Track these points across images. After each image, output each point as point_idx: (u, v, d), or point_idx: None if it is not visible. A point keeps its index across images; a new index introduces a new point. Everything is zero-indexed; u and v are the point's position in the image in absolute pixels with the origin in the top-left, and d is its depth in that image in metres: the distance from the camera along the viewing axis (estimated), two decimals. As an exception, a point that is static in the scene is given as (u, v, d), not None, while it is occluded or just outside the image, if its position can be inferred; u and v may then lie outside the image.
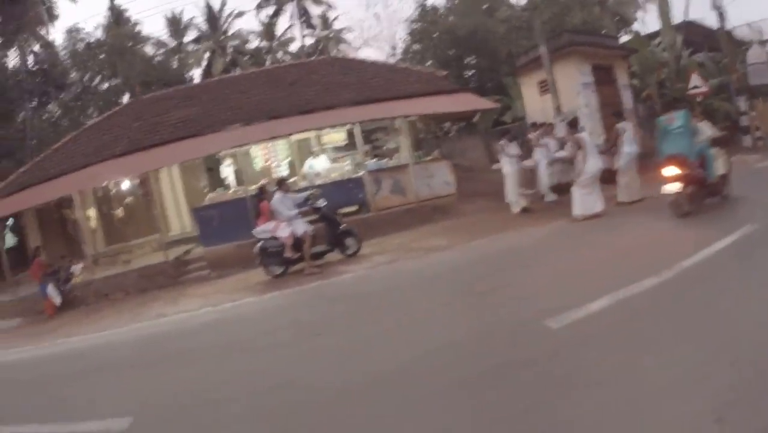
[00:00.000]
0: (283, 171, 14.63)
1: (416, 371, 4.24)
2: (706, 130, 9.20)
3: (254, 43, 32.31)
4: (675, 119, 8.53)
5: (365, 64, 17.64)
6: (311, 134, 14.85)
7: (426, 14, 25.89)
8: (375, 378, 4.24)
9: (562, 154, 12.20)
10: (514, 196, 12.16)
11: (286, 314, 7.37)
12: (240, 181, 14.33)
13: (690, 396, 3.05)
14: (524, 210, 11.99)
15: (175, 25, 30.55)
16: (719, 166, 8.66)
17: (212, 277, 11.46)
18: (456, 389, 3.74)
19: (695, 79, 17.28)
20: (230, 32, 31.53)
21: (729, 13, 20.70)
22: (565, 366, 3.78)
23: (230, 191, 13.18)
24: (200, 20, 31.61)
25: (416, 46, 27.55)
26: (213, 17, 31.09)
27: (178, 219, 15.19)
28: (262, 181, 11.99)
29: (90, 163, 13.43)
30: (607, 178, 10.40)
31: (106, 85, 26.44)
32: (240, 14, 31.96)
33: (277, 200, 9.68)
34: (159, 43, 29.71)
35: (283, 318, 7.07)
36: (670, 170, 7.97)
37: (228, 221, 12.10)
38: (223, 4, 32.06)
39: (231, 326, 7.35)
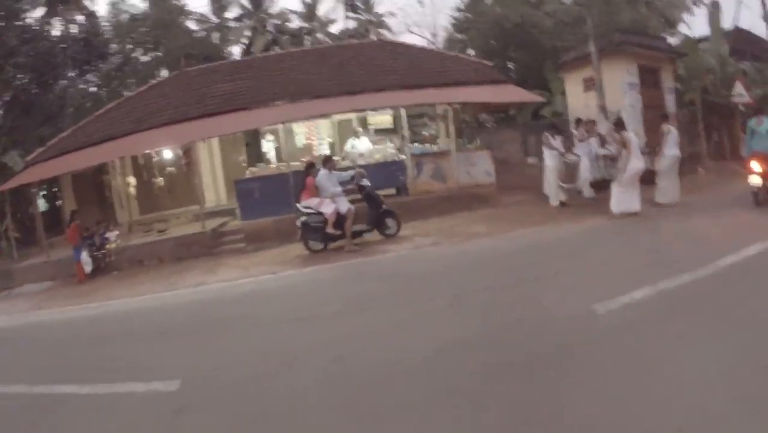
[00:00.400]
0: (325, 150, 14.59)
1: (472, 348, 4.34)
2: None
3: (295, 23, 32.11)
4: (764, 122, 9.49)
5: (415, 49, 17.53)
6: (353, 115, 14.84)
7: (474, 3, 25.65)
8: (430, 354, 4.28)
9: (605, 151, 12.15)
10: (553, 189, 12.10)
11: (330, 287, 7.31)
12: (280, 157, 14.33)
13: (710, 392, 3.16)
14: (562, 204, 11.92)
15: (218, 1, 30.46)
16: None
17: (249, 250, 11.38)
18: (506, 369, 3.85)
19: (739, 88, 17.00)
20: (272, 10, 31.31)
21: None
22: (610, 348, 4.00)
23: (272, 166, 13.17)
24: None
25: (459, 36, 27.40)
26: None
27: (215, 191, 15.24)
28: (309, 158, 12.05)
29: (134, 131, 13.52)
30: (647, 179, 10.37)
31: (146, 58, 26.49)
32: None
33: (323, 176, 9.67)
34: (201, 19, 29.37)
35: (328, 292, 7.02)
36: (756, 165, 9.03)
37: (268, 196, 12.07)
38: None
39: (275, 297, 7.25)
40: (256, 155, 15.16)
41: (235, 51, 30.14)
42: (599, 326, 4.49)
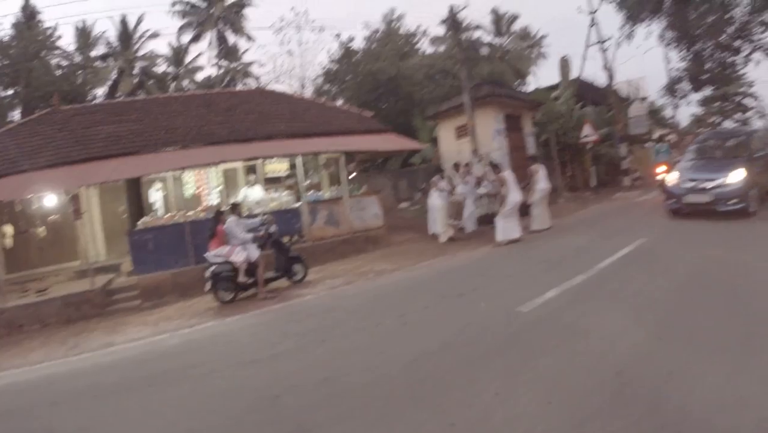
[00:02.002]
0: (214, 199, 14.16)
1: (439, 353, 5.10)
2: None
3: (162, 68, 31.15)
4: (663, 148, 17.66)
5: (295, 99, 17.84)
6: (239, 164, 14.67)
7: (347, 56, 26.51)
8: (407, 363, 4.91)
9: (485, 189, 13.55)
10: (442, 226, 13.11)
11: (269, 330, 7.13)
12: (168, 207, 13.62)
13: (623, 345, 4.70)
14: (450, 239, 13.01)
15: (85, 37, 28.37)
16: None
17: (146, 307, 10.50)
18: (483, 358, 4.83)
19: (587, 129, 19.58)
20: (141, 53, 30.11)
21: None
22: (545, 331, 5.35)
23: (166, 216, 12.28)
24: (112, 35, 29.84)
25: (328, 86, 28.12)
26: (126, 34, 29.51)
27: (93, 245, 13.76)
28: (203, 207, 11.71)
29: (8, 173, 11.95)
30: (521, 210, 11.97)
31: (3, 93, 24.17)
32: (155, 35, 30.42)
33: (233, 224, 9.44)
34: (65, 55, 27.06)
35: (270, 334, 6.86)
36: (661, 168, 17.19)
37: (164, 247, 11.35)
38: (139, 21, 30.51)
39: (212, 346, 6.77)
40: (138, 205, 14.15)
41: (98, 92, 28.45)
42: (530, 319, 5.76)
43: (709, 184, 10.94)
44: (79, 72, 26.56)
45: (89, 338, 8.45)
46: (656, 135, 30.94)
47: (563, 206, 17.48)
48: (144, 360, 6.45)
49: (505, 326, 5.63)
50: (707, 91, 29.85)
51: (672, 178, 12.07)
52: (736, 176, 10.74)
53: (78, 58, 27.49)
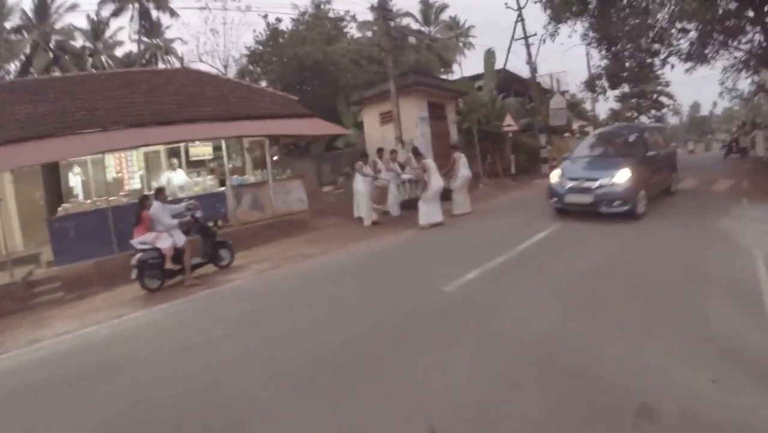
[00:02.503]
0: (136, 183, 13.89)
1: (373, 332, 5.52)
2: None
3: (79, 42, 29.52)
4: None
5: (220, 80, 17.62)
6: (161, 147, 14.35)
7: (273, 37, 26.21)
8: (345, 341, 5.31)
9: (408, 175, 14.10)
10: (366, 211, 13.54)
11: (200, 316, 7.15)
12: (88, 192, 13.10)
13: (550, 313, 5.57)
14: (374, 223, 13.49)
15: None
16: None
17: (70, 298, 10.03)
18: (414, 334, 5.32)
19: (509, 119, 20.49)
20: (58, 26, 28.34)
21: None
22: (470, 306, 5.98)
23: (88, 202, 11.94)
24: (27, 6, 28.04)
25: (252, 68, 27.76)
26: (43, 5, 27.62)
27: (9, 234, 12.80)
28: (124, 192, 11.46)
29: None
30: (444, 195, 12.68)
31: None
32: (73, 7, 28.65)
33: (158, 209, 9.36)
34: None
35: (202, 320, 6.90)
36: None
37: (86, 235, 10.93)
38: None
39: (146, 335, 6.66)
40: (55, 191, 13.66)
41: (10, 68, 26.74)
42: (455, 298, 6.35)
43: (592, 184, 10.55)
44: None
45: (15, 335, 7.97)
46: (575, 127, 32.75)
47: (484, 192, 18.35)
48: (75, 354, 6.27)
49: (432, 305, 6.11)
50: (625, 87, 31.67)
51: (555, 176, 11.76)
52: (622, 176, 10.38)
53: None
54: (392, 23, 19.76)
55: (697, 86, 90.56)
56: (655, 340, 4.54)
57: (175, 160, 13.88)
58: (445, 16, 39.05)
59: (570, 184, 10.97)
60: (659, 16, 19.57)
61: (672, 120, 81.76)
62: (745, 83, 27.13)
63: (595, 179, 10.56)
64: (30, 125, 12.23)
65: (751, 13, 18.89)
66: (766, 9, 17.81)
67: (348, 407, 3.87)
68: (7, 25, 27.38)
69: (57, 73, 24.08)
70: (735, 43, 21.70)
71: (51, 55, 27.18)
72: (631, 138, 12.32)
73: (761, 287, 5.65)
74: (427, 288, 6.86)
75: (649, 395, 3.59)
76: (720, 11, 19.14)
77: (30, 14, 27.86)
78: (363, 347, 5.08)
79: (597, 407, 3.55)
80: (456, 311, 5.85)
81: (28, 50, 27.20)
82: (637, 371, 3.99)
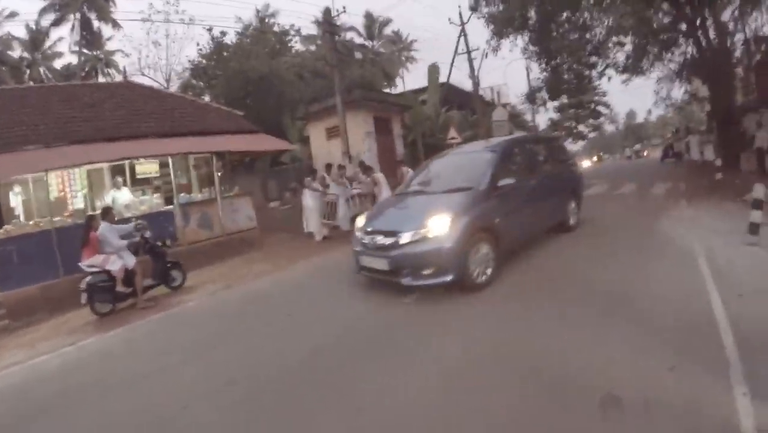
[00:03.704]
0: (79, 203, 13.57)
1: (333, 347, 5.58)
2: None
3: (17, 52, 28.39)
4: None
5: (164, 94, 17.41)
6: (104, 165, 13.99)
7: (218, 51, 25.99)
8: (304, 357, 5.37)
9: (358, 190, 14.37)
10: (316, 226, 13.71)
11: (155, 341, 7.04)
12: (29, 213, 12.73)
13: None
14: (325, 238, 13.67)
15: None
16: None
17: (15, 327, 9.51)
18: (374, 346, 5.43)
19: (452, 132, 21.14)
20: None
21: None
22: (424, 321, 5.32)
23: (30, 223, 11.55)
24: None
25: (195, 81, 27.44)
26: None
27: None
28: (68, 212, 11.16)
29: None
30: None
31: None
32: (12, 15, 27.57)
33: (106, 230, 9.14)
34: None
35: (157, 345, 6.80)
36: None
37: (30, 259, 10.57)
38: None
39: (100, 363, 6.42)
40: None
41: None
42: (413, 309, 6.49)
43: (390, 241, 6.87)
44: None
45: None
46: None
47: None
48: (27, 388, 5.98)
49: (394, 317, 6.21)
50: (564, 98, 33.00)
51: (360, 224, 8.14)
52: (436, 227, 6.64)
53: None
54: (337, 38, 20.00)
55: (633, 95, 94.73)
56: (615, 336, 4.72)
57: (119, 179, 13.61)
58: (388, 30, 39.66)
59: (366, 238, 7.37)
60: (597, 30, 20.62)
61: (609, 128, 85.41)
62: (678, 92, 28.78)
63: (395, 232, 6.87)
64: (-38, 140, 11.66)
65: (684, 27, 20.18)
66: (698, 22, 19.06)
67: (314, 426, 3.96)
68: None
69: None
70: (669, 55, 23.12)
71: (-14, 65, 26.09)
72: (479, 161, 8.15)
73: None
74: (387, 301, 6.90)
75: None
76: (655, 25, 20.40)
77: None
78: (326, 362, 5.15)
79: None
80: (415, 322, 5.95)
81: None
82: (603, 364, 4.14)
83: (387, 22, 38.19)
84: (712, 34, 19.44)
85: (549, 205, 9.22)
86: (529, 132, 37.80)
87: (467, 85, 28.60)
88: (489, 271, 6.99)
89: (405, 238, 6.71)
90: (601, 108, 52.84)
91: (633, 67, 23.36)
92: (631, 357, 4.28)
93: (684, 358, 4.13)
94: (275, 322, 6.88)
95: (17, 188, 13.12)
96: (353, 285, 8.13)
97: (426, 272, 6.55)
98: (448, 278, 6.51)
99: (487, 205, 7.19)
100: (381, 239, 7.02)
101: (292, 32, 29.97)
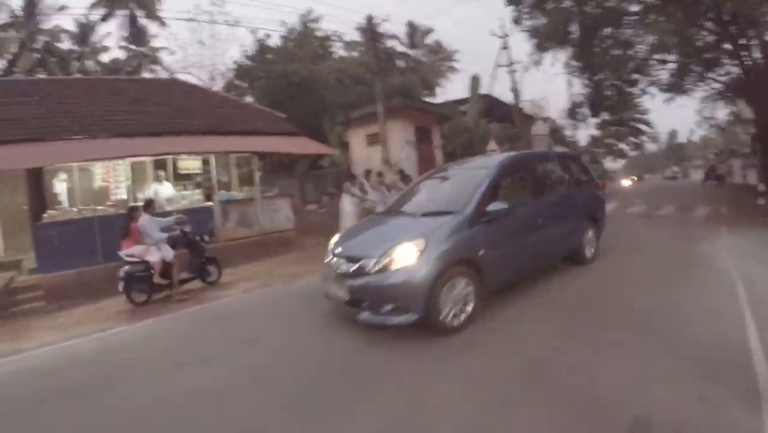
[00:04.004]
0: (122, 194, 13.77)
1: (367, 350, 5.48)
2: None
3: (65, 44, 29.08)
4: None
5: (208, 93, 17.61)
6: (148, 158, 14.11)
7: (261, 53, 26.30)
8: (340, 363, 5.25)
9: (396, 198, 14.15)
10: (354, 231, 13.47)
11: (191, 333, 7.00)
12: (72, 200, 12.93)
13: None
14: None
15: None
16: None
17: (51, 309, 9.73)
18: (420, 351, 5.11)
19: (492, 144, 20.93)
20: (45, 26, 27.89)
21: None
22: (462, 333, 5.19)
23: (74, 210, 11.82)
24: (16, 2, 27.43)
25: (238, 82, 27.77)
26: (31, 3, 27.02)
27: None
28: (111, 201, 11.31)
29: None
30: None
31: None
32: (62, 8, 28.08)
33: (147, 222, 9.24)
34: None
35: (193, 336, 6.77)
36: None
37: (71, 244, 10.76)
38: None
39: (138, 350, 6.40)
40: (39, 197, 13.38)
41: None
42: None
43: (351, 267, 5.89)
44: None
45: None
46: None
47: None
48: (59, 368, 5.99)
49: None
50: (605, 115, 32.51)
51: (331, 243, 7.29)
52: (404, 255, 5.61)
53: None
54: (379, 45, 20.04)
55: (675, 113, 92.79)
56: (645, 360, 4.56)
57: (162, 173, 13.76)
58: (429, 40, 39.64)
59: (334, 261, 6.41)
60: (639, 47, 20.25)
61: (650, 147, 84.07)
62: (722, 113, 28.11)
63: (359, 258, 5.88)
64: (14, 127, 12.00)
65: (728, 46, 19.70)
66: (742, 42, 18.60)
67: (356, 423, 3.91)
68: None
69: (42, 75, 23.67)
70: (712, 75, 22.59)
71: (37, 56, 26.74)
72: (470, 181, 6.97)
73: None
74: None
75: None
76: (698, 44, 19.95)
77: (18, 11, 27.37)
78: (361, 364, 5.08)
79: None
80: (455, 335, 5.65)
81: (14, 49, 26.69)
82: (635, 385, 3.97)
83: (429, 31, 38.19)
84: (757, 54, 18.94)
85: (557, 233, 7.81)
86: (568, 148, 37.32)
87: (508, 97, 28.41)
88: (468, 311, 5.86)
89: (367, 266, 5.67)
90: (642, 126, 51.85)
91: (676, 86, 22.93)
92: (662, 384, 4.13)
93: (716, 387, 4.01)
94: (310, 322, 6.72)
95: (63, 175, 13.31)
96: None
97: (386, 308, 5.55)
98: (413, 317, 5.46)
99: (471, 234, 6.04)
100: (344, 264, 6.01)
101: (335, 38, 30.17)
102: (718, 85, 23.46)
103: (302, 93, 24.04)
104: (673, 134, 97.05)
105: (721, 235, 11.39)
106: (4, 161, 10.75)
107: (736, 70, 21.00)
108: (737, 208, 16.03)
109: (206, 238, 12.64)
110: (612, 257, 9.26)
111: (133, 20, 30.22)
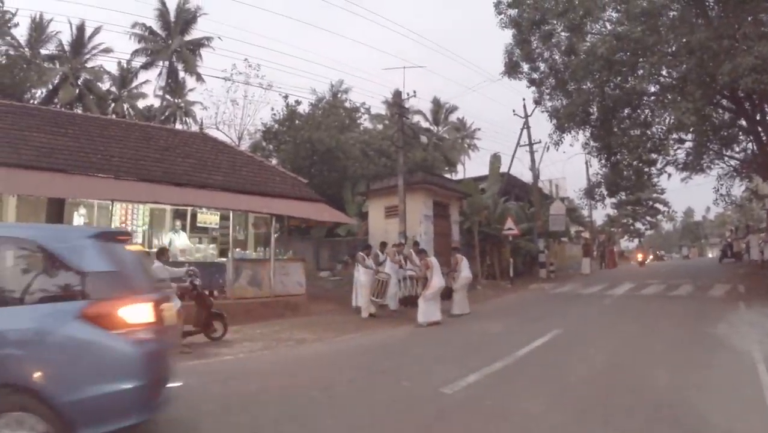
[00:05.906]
0: (138, 238, 13.71)
1: (369, 428, 5.22)
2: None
3: (105, 85, 30.16)
4: None
5: (234, 151, 17.86)
6: (168, 206, 14.17)
7: (290, 118, 26.84)
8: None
9: (410, 272, 14.03)
10: (365, 302, 13.32)
11: (188, 389, 6.35)
12: None
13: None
14: (371, 315, 13.24)
15: (38, 31, 26.94)
16: None
17: None
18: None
19: (510, 223, 20.94)
20: (90, 64, 28.98)
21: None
22: (470, 413, 5.51)
23: None
24: (65, 38, 28.69)
25: (264, 144, 28.25)
26: (80, 41, 28.35)
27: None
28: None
29: None
30: (444, 294, 12.59)
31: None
32: (107, 50, 29.49)
33: (159, 270, 8.84)
34: (15, 44, 25.58)
35: (189, 394, 6.07)
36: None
37: None
38: (95, 32, 29.68)
39: None
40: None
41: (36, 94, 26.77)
42: (454, 401, 5.92)
43: None
44: (24, 66, 24.82)
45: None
46: (572, 232, 33.45)
47: (481, 293, 18.29)
48: None
49: (431, 406, 5.77)
50: (622, 195, 32.54)
51: None
52: None
53: (26, 52, 26.06)
54: (405, 120, 20.41)
55: (691, 192, 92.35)
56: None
57: (179, 223, 13.79)
58: (453, 117, 40.51)
59: None
60: (657, 128, 20.45)
61: (666, 226, 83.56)
62: (739, 189, 27.96)
63: None
64: (45, 155, 12.11)
65: (743, 122, 19.85)
66: (758, 117, 18.72)
67: None
68: (43, 51, 27.96)
69: (79, 111, 24.27)
70: (729, 152, 22.68)
71: (77, 91, 27.57)
72: None
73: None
74: (425, 388, 6.50)
75: None
76: (715, 122, 20.14)
77: (66, 46, 28.47)
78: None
79: None
80: (455, 414, 5.49)
81: (56, 81, 27.55)
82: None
83: (453, 109, 39.13)
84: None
85: None
86: (584, 228, 37.15)
87: (527, 175, 28.65)
88: None
89: None
90: (659, 205, 51.72)
91: (693, 165, 22.99)
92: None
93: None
94: (310, 394, 6.34)
95: (82, 210, 13.24)
96: (396, 366, 7.88)
97: None
98: None
99: None
100: None
101: (362, 109, 30.88)
102: (734, 162, 23.58)
103: (326, 161, 24.34)
104: (688, 213, 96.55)
105: (741, 313, 11.53)
106: (30, 187, 10.90)
107: (752, 147, 21.16)
108: (756, 286, 16.39)
109: (215, 293, 12.53)
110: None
111: (172, 72, 31.29)
